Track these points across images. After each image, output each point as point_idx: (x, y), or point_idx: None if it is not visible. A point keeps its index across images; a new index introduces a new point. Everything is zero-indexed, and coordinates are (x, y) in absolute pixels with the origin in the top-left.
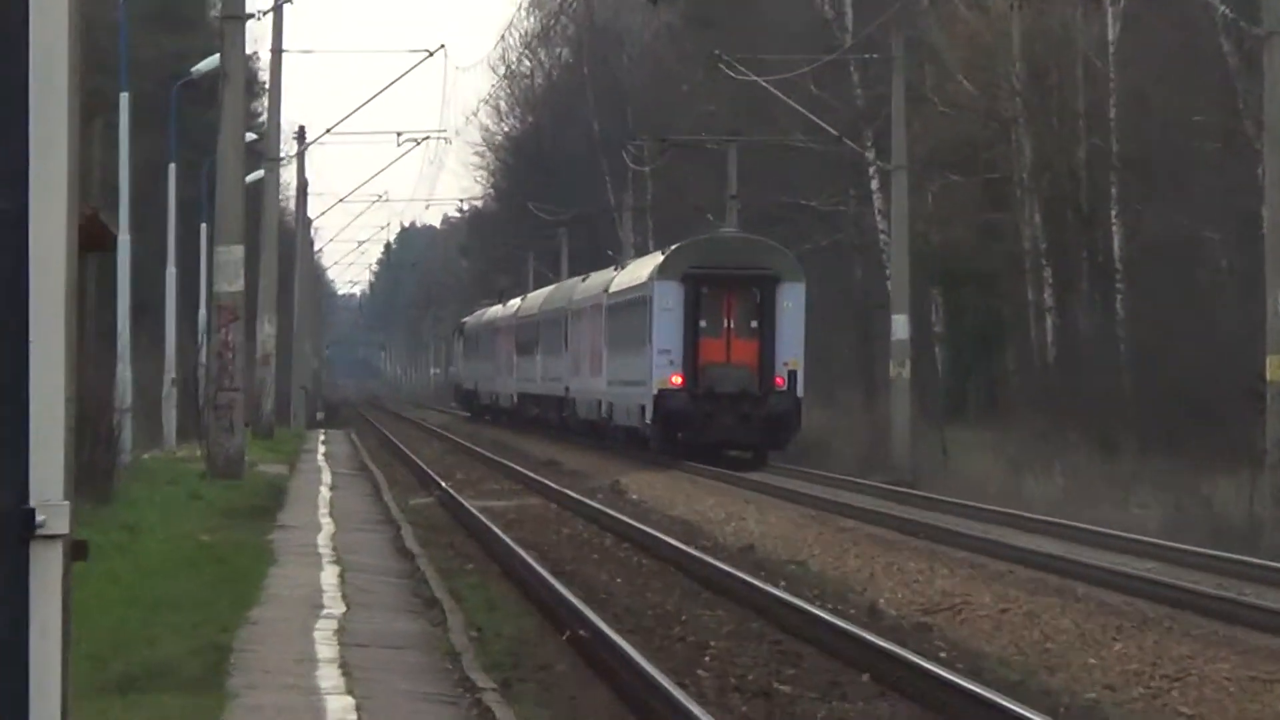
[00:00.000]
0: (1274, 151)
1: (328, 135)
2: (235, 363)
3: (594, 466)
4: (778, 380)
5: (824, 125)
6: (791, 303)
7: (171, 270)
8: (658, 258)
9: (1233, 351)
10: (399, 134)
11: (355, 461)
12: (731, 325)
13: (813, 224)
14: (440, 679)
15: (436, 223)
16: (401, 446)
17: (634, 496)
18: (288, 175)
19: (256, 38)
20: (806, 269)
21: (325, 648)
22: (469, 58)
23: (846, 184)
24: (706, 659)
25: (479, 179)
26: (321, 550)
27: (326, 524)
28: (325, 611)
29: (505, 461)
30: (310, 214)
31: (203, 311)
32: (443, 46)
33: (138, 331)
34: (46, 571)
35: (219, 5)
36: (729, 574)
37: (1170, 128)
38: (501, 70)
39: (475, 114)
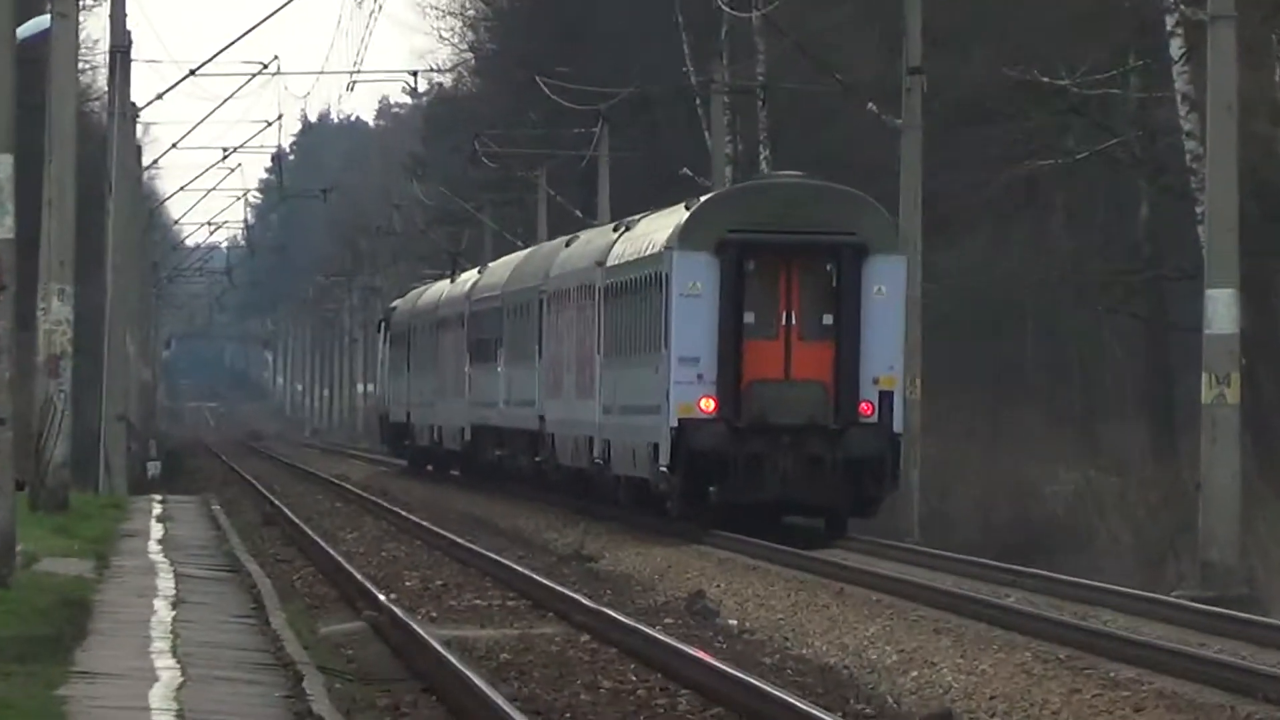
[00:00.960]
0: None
1: None
2: None
3: (656, 566)
4: (864, 406)
5: None
6: (886, 287)
7: None
8: (679, 213)
9: None
10: None
11: (218, 555)
12: (794, 321)
13: (1057, 119)
14: None
15: (366, 116)
16: (303, 526)
17: (731, 620)
18: (95, 29)
19: None
20: (1039, 197)
21: None
22: None
23: (1124, 47)
24: None
25: (446, 36)
26: None
27: (166, 670)
28: None
29: (489, 554)
30: (138, 99)
31: None
32: None
33: None
34: None
35: None
36: None
37: None
38: None
39: None
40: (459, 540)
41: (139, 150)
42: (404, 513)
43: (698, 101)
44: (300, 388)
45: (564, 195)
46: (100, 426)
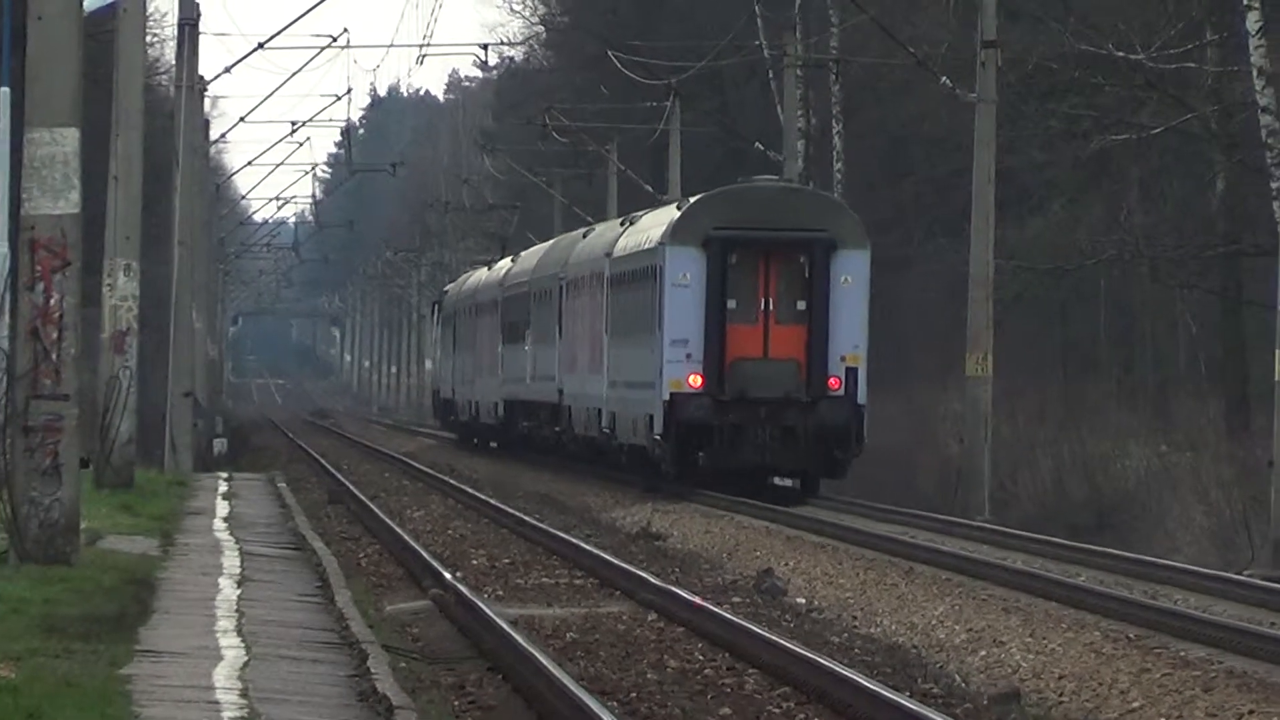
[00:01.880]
0: None
1: None
2: (63, 348)
3: (724, 544)
4: (832, 381)
5: None
6: (853, 276)
7: None
8: (671, 212)
9: None
10: None
11: (284, 533)
12: (771, 307)
13: (1131, 93)
14: None
15: (436, 90)
16: (369, 504)
17: (799, 599)
18: (163, 2)
19: None
20: (1113, 173)
21: None
22: None
23: (1200, 20)
24: None
25: (518, 9)
26: (222, 703)
27: (230, 649)
28: None
29: (555, 532)
30: (205, 72)
31: (1, 249)
32: None
33: None
34: None
35: None
36: None
37: None
38: None
39: None
40: (526, 518)
41: (206, 124)
42: (471, 490)
43: (770, 75)
44: (367, 364)
45: (635, 170)
46: (166, 403)
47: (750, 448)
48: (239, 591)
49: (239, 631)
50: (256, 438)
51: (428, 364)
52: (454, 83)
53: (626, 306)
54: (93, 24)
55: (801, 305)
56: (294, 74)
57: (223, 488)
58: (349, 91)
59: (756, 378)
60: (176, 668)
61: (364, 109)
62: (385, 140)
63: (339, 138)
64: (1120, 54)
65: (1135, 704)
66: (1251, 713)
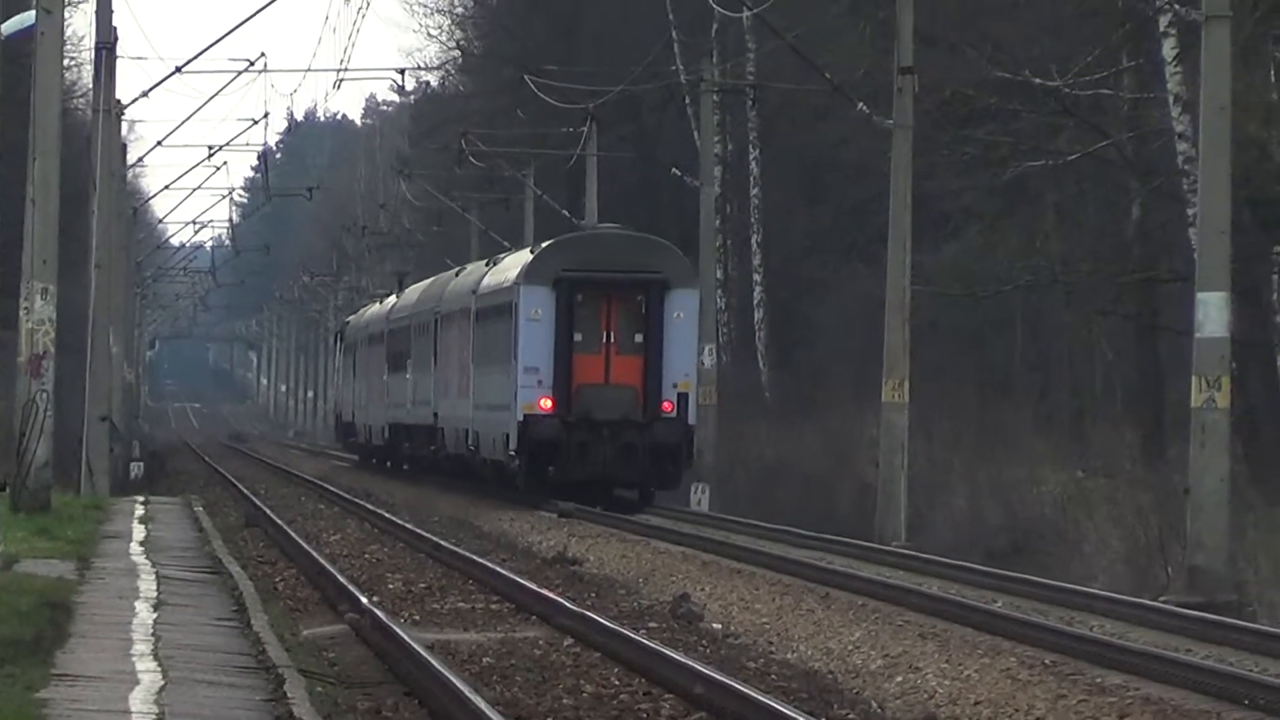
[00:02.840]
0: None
1: None
2: None
3: (641, 569)
4: (665, 405)
5: None
6: (683, 312)
7: None
8: (525, 256)
9: None
10: None
11: (200, 557)
12: (612, 339)
13: (1048, 120)
14: None
15: (353, 114)
16: (286, 528)
17: (715, 624)
18: (80, 25)
19: None
20: (1029, 198)
21: None
22: None
23: (1116, 47)
24: None
25: (434, 34)
26: None
27: (146, 673)
28: None
29: (472, 556)
30: (123, 96)
31: None
32: None
33: None
34: None
35: None
36: None
37: None
38: None
39: None
40: (443, 543)
41: (124, 148)
42: (388, 514)
43: (687, 100)
44: (284, 389)
45: (552, 195)
46: (83, 427)
47: (594, 463)
48: (155, 615)
49: (155, 656)
50: (173, 462)
51: (332, 389)
52: (371, 107)
53: (488, 338)
54: (10, 47)
55: (639, 338)
56: (211, 98)
57: (139, 511)
58: (266, 116)
59: (599, 401)
60: (93, 692)
61: (281, 133)
62: (302, 164)
63: (256, 162)
64: (1037, 80)
65: None
66: None
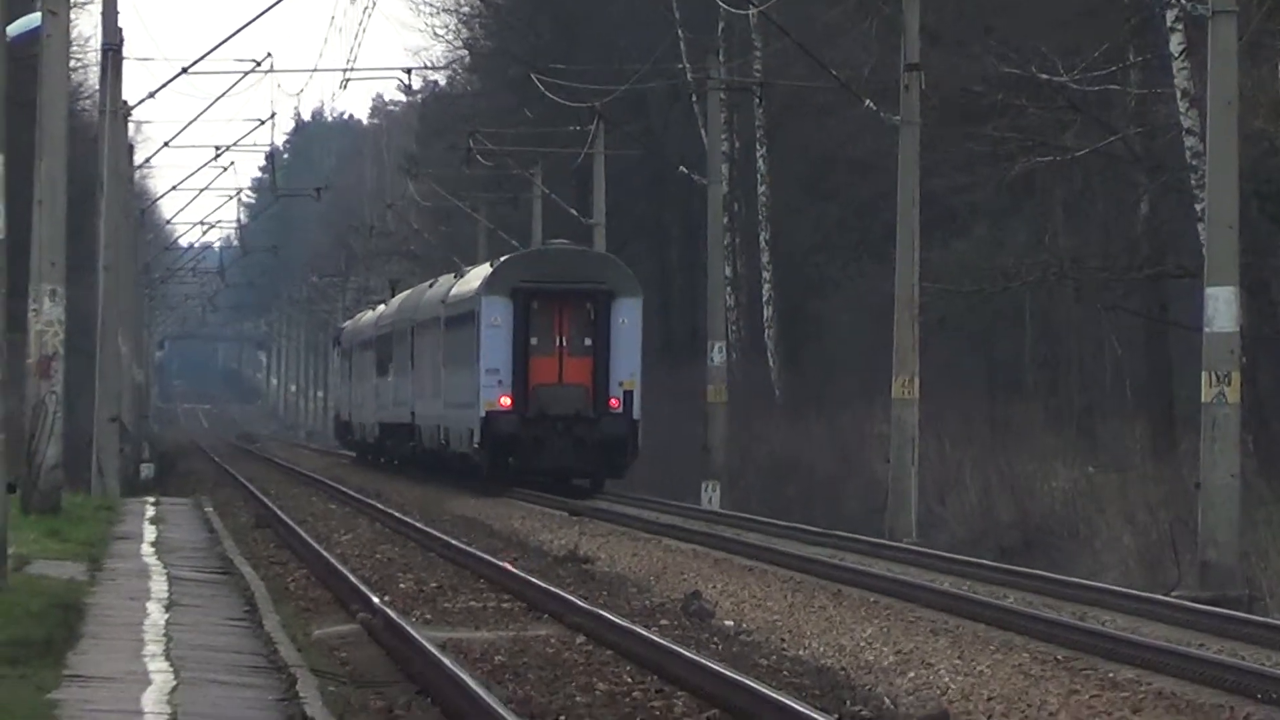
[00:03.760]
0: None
1: None
2: None
3: (652, 567)
4: (613, 401)
5: None
6: (627, 319)
7: None
8: (486, 269)
9: None
10: None
11: (211, 557)
12: (564, 343)
13: (1055, 115)
14: None
15: (360, 114)
16: (297, 528)
17: (727, 621)
18: (86, 26)
19: None
20: (1037, 195)
21: None
22: None
23: (1123, 42)
24: None
25: (441, 33)
26: None
27: (158, 674)
28: None
29: (483, 555)
30: (129, 97)
31: None
32: None
33: None
34: None
35: None
36: None
37: None
38: None
39: None
40: (453, 542)
41: (131, 149)
42: (399, 514)
43: (694, 98)
44: (294, 389)
45: (560, 193)
46: (93, 428)
47: (549, 454)
48: (167, 616)
49: (167, 656)
50: (183, 462)
51: (331, 390)
52: (378, 107)
53: (455, 343)
54: (15, 48)
55: (588, 342)
56: (218, 98)
57: (150, 512)
58: (273, 116)
59: (553, 399)
60: (105, 693)
61: (288, 133)
62: (310, 164)
63: (263, 162)
64: (1044, 76)
65: None
66: None
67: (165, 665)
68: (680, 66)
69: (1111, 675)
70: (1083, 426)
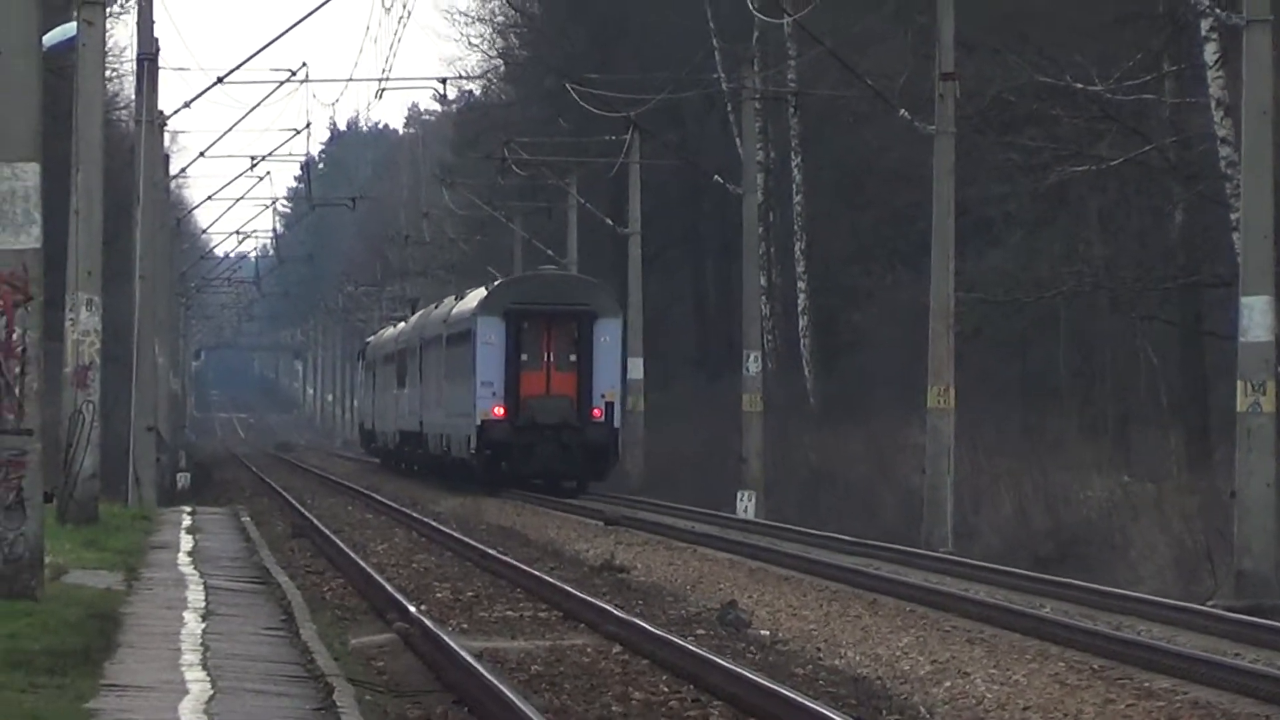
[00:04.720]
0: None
1: None
2: (26, 382)
3: (688, 576)
4: (595, 411)
5: None
6: (608, 337)
7: None
8: (481, 293)
9: None
10: None
11: (248, 567)
12: (551, 359)
13: (1090, 125)
14: None
15: (395, 123)
16: (333, 538)
17: (763, 631)
18: (122, 36)
19: None
20: (1072, 204)
21: None
22: None
23: (1158, 52)
24: None
25: (476, 43)
26: None
27: (196, 683)
28: None
29: (519, 565)
30: (165, 107)
31: None
32: None
33: None
34: None
35: None
36: None
37: None
38: None
39: None
40: (490, 551)
41: (166, 159)
42: (435, 523)
43: (729, 108)
44: (330, 398)
45: (595, 203)
46: (129, 438)
47: (538, 459)
48: (204, 625)
49: (204, 665)
50: (220, 472)
51: (357, 400)
52: (413, 116)
53: (454, 358)
54: (52, 59)
55: (573, 358)
56: (253, 108)
57: (187, 522)
58: (308, 125)
59: (542, 409)
60: (142, 702)
61: (323, 143)
62: (345, 174)
63: (299, 172)
64: (1078, 86)
65: None
66: None
67: (202, 675)
68: (715, 76)
69: (1147, 685)
70: (1118, 436)
